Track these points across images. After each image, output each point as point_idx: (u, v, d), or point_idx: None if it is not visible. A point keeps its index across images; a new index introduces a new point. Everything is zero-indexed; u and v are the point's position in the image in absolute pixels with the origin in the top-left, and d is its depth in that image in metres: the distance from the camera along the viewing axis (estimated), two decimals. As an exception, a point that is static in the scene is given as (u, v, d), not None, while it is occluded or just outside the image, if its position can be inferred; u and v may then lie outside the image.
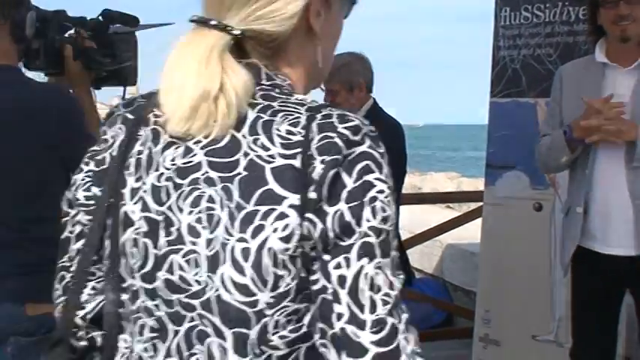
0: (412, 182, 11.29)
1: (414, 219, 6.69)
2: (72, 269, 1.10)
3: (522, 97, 3.91)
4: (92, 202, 1.06)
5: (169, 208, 0.97)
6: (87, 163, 1.09)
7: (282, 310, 0.94)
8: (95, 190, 1.06)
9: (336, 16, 1.10)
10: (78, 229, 1.09)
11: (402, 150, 3.23)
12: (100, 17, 2.14)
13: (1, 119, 1.89)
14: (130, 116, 1.07)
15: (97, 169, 1.07)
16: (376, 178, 0.93)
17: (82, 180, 1.09)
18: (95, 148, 1.10)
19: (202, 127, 0.96)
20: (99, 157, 1.07)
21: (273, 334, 0.94)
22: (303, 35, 1.05)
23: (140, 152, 1.01)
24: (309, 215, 0.91)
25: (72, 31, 2.11)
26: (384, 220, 0.93)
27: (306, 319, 0.95)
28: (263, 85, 1.00)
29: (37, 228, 1.97)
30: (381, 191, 0.93)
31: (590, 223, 2.69)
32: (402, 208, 6.66)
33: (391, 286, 0.93)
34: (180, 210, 0.96)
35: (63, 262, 1.12)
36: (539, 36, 3.83)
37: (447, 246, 5.82)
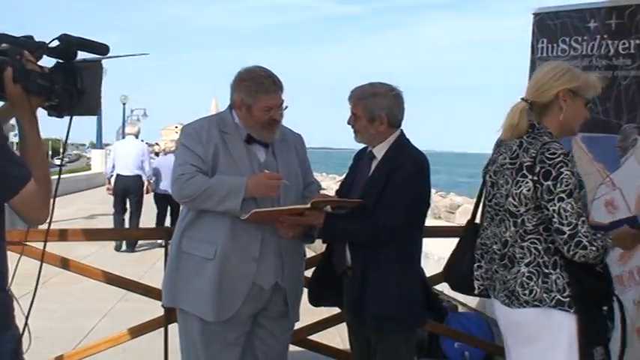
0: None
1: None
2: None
3: (559, 132, 3.81)
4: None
5: (496, 177, 2.76)
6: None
7: (528, 213, 2.62)
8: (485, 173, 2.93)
9: (577, 103, 2.71)
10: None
11: (426, 185, 3.20)
12: (57, 42, 2.07)
13: None
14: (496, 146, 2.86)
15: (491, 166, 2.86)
16: (566, 169, 2.52)
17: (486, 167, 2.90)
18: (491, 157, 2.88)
19: (509, 137, 2.71)
20: (492, 160, 2.85)
21: (527, 220, 2.63)
22: (557, 108, 2.69)
23: (495, 159, 2.80)
24: (537, 184, 2.57)
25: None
26: (567, 184, 2.52)
27: (537, 217, 2.61)
28: (537, 130, 2.67)
29: None
30: (566, 175, 2.52)
31: None
32: (442, 240, 6.57)
33: (572, 208, 2.51)
34: (498, 178, 2.75)
35: None
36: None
37: (489, 280, 5.68)
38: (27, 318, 2.13)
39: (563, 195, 2.51)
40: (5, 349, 2.04)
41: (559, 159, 2.53)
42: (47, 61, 2.09)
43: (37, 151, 2.05)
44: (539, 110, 2.70)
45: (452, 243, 7.13)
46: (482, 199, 2.94)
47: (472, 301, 5.99)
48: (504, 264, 2.71)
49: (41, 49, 2.05)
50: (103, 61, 2.21)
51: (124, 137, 12.68)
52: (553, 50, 3.83)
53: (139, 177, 10.82)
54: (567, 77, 2.67)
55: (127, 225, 11.22)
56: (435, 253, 6.78)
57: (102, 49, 2.13)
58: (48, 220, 2.11)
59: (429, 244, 5.25)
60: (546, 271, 2.61)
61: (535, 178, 2.56)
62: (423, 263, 3.38)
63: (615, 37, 3.57)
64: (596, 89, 2.75)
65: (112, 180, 11.04)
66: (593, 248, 2.53)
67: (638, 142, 3.54)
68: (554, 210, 2.52)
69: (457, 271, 2.96)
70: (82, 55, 2.13)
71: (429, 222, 3.48)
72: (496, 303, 2.79)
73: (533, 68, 3.92)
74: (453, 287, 3.08)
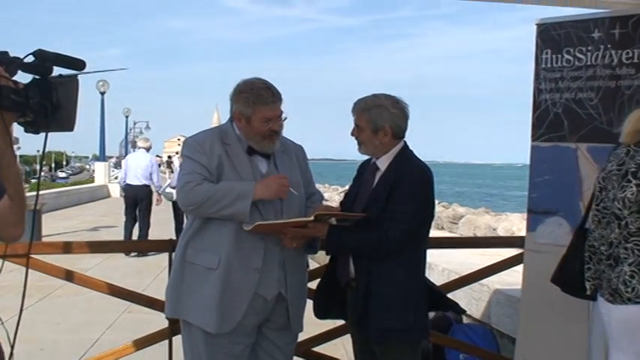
0: (487, 222, 11.06)
1: (465, 262, 6.56)
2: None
3: (563, 142, 3.82)
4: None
5: (604, 183, 2.97)
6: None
7: (632, 216, 2.80)
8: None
9: None
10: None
11: (430, 197, 3.19)
12: (32, 57, 2.01)
13: None
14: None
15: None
16: None
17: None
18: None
19: (629, 141, 2.91)
20: (603, 167, 3.05)
21: (630, 223, 2.82)
22: None
23: (605, 166, 3.02)
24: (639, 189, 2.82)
25: None
26: None
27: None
28: None
29: None
30: None
31: None
32: (446, 251, 6.54)
33: None
34: (606, 183, 2.96)
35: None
36: (580, 79, 3.74)
37: (494, 291, 5.67)
38: (15, 334, 2.10)
39: None
40: None
41: None
42: (23, 77, 2.04)
43: (10, 167, 2.00)
44: None
45: (455, 254, 7.14)
46: (591, 205, 3.12)
47: (477, 312, 5.96)
48: (609, 264, 2.91)
49: (15, 64, 2.00)
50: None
51: (132, 149, 14.05)
52: (557, 61, 3.82)
53: (147, 186, 12.13)
54: None
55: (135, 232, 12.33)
56: (439, 264, 6.77)
57: (78, 65, 2.08)
58: (30, 234, 2.08)
59: (432, 255, 5.25)
60: None
61: (638, 182, 2.79)
62: (427, 274, 3.38)
63: (619, 46, 3.57)
64: None
65: (124, 189, 12.46)
66: None
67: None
68: None
69: (568, 273, 3.13)
70: (59, 70, 2.07)
71: (432, 233, 3.47)
72: (600, 301, 2.98)
73: (537, 79, 3.92)
74: (565, 289, 3.21)
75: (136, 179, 11.96)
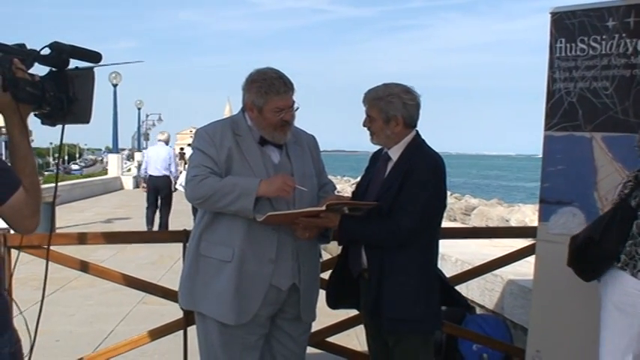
0: (500, 214, 11.02)
1: (478, 253, 6.56)
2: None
3: (578, 131, 3.79)
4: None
5: None
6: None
7: None
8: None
9: None
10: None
11: (442, 186, 3.18)
12: (49, 50, 2.02)
13: None
14: None
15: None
16: None
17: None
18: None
19: None
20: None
21: None
22: None
23: None
24: None
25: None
26: None
27: None
28: None
29: None
30: None
31: None
32: (459, 241, 6.52)
33: None
34: None
35: None
36: (595, 68, 3.71)
37: (507, 282, 5.66)
38: (37, 324, 2.12)
39: None
40: (3, 353, 2.03)
41: None
42: (40, 70, 2.06)
43: (26, 159, 2.03)
44: None
45: (468, 244, 7.12)
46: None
47: (490, 303, 5.96)
48: None
49: (32, 57, 2.02)
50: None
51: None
52: (572, 50, 3.79)
53: (167, 177, 13.21)
54: None
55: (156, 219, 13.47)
56: (452, 255, 6.76)
57: (94, 57, 2.10)
58: (51, 226, 2.11)
59: (445, 246, 5.25)
60: None
61: None
62: (440, 265, 3.37)
63: (634, 35, 3.53)
64: None
65: (146, 179, 13.52)
66: None
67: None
68: None
69: (605, 239, 3.04)
70: (74, 63, 2.09)
71: (445, 224, 3.46)
72: (630, 280, 2.98)
73: (551, 68, 3.89)
74: (586, 252, 3.13)
75: (157, 170, 13.05)
